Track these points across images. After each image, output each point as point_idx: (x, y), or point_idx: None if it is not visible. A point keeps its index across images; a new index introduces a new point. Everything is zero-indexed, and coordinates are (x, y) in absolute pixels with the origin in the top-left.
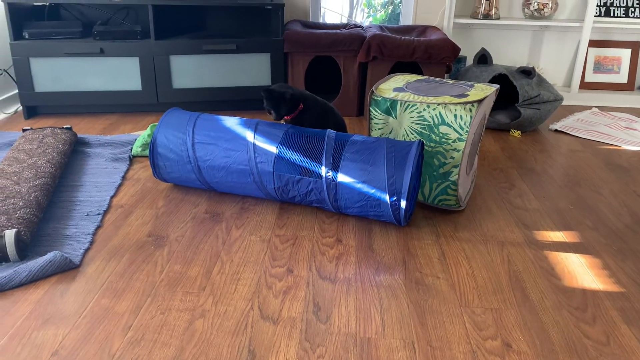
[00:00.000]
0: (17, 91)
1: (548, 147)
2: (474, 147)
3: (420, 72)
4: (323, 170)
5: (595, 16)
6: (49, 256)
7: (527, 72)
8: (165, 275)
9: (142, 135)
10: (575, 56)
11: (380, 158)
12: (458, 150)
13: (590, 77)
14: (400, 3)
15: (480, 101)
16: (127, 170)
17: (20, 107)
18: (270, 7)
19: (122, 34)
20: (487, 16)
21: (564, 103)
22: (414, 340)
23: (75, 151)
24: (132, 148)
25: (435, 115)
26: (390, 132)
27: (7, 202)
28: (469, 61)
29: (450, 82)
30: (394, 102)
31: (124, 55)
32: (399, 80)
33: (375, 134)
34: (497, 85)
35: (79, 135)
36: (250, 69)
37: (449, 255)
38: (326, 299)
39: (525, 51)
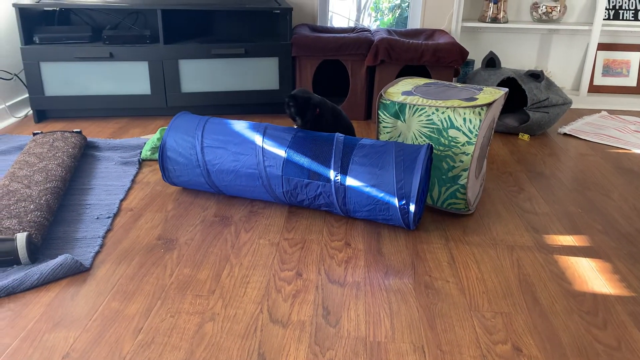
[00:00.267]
0: (27, 95)
1: (557, 150)
2: (483, 151)
3: (428, 76)
4: (332, 174)
5: (604, 19)
6: (59, 259)
7: (536, 76)
8: (175, 279)
9: (151, 139)
10: (584, 59)
11: (389, 162)
12: (467, 154)
13: (599, 81)
14: (408, 7)
15: (489, 105)
16: (137, 173)
17: (31, 111)
18: (278, 11)
19: (131, 39)
20: (495, 20)
21: (572, 106)
22: (423, 344)
23: (85, 155)
24: (141, 152)
25: (444, 118)
26: (398, 136)
27: (18, 205)
28: (477, 65)
29: (459, 85)
30: (402, 106)
31: (133, 59)
32: (408, 83)
33: (383, 137)
34: (506, 89)
35: (89, 138)
36: (259, 73)
37: (459, 259)
38: (335, 303)
39: (533, 54)
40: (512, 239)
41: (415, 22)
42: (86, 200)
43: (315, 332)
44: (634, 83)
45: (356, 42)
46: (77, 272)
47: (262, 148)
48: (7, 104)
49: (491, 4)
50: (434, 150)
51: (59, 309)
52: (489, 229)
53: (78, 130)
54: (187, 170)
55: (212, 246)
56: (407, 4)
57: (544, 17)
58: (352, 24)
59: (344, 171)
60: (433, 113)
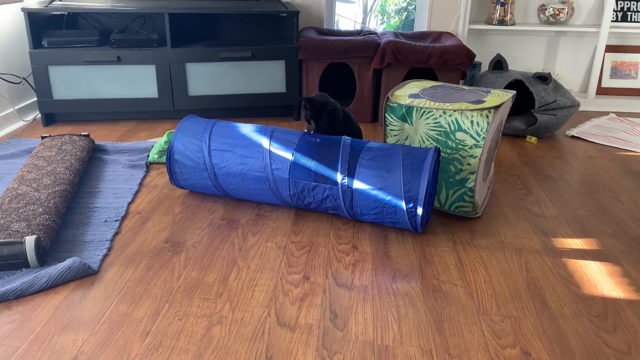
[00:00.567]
0: (36, 99)
1: (565, 153)
2: (491, 154)
3: (435, 79)
4: (339, 177)
5: (611, 21)
6: (68, 262)
7: (543, 78)
8: (182, 282)
9: (158, 142)
10: (591, 61)
11: (397, 165)
12: (475, 157)
13: (607, 83)
14: (414, 9)
15: (497, 107)
16: (144, 177)
17: (39, 115)
18: (285, 14)
19: (138, 42)
20: (502, 22)
21: (580, 109)
22: (431, 348)
23: (92, 158)
24: (148, 155)
25: (452, 121)
26: (405, 139)
27: (27, 208)
28: (484, 67)
29: (466, 88)
30: (409, 109)
31: (140, 63)
32: (415, 86)
33: (390, 140)
34: (514, 91)
35: (97, 142)
36: (266, 76)
37: (466, 263)
38: (343, 306)
39: (540, 57)
40: (520, 242)
41: (422, 25)
42: (94, 204)
43: (323, 336)
44: None
45: (363, 45)
46: (85, 275)
47: (269, 151)
48: (16, 108)
49: (498, 6)
50: (442, 153)
51: (67, 312)
52: (496, 232)
53: (86, 133)
54: (195, 174)
55: (220, 249)
56: (413, 6)
57: (551, 19)
58: (358, 27)
59: (351, 174)
60: (440, 116)
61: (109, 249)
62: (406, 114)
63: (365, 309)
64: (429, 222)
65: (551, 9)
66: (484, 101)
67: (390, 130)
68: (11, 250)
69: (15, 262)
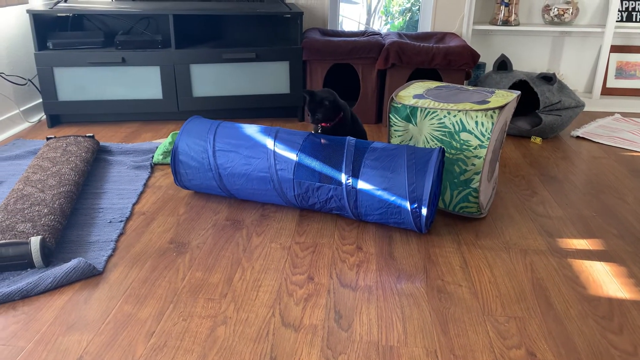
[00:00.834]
0: (41, 100)
1: (570, 153)
2: (495, 154)
3: (439, 79)
4: (343, 178)
5: (616, 21)
6: (72, 263)
7: (548, 78)
8: (187, 282)
9: (163, 143)
10: (596, 62)
11: (401, 165)
12: (479, 157)
13: (612, 83)
14: (419, 10)
15: (501, 108)
16: (149, 177)
17: (44, 116)
18: (289, 15)
19: (143, 44)
20: (506, 22)
21: (585, 109)
22: (436, 348)
23: (97, 159)
24: (153, 156)
25: (456, 122)
26: (410, 139)
27: (32, 209)
28: (489, 68)
29: (471, 88)
30: (414, 109)
31: (145, 64)
32: (419, 87)
33: (395, 141)
34: (518, 92)
35: (102, 143)
36: (270, 77)
37: (471, 263)
38: (347, 307)
39: (545, 57)
40: (525, 242)
41: (426, 26)
42: (99, 204)
43: (328, 336)
44: None
45: (367, 45)
46: (90, 275)
47: (274, 152)
48: (21, 109)
49: (502, 7)
50: (446, 154)
51: (73, 313)
52: (501, 232)
53: (91, 134)
54: (199, 174)
55: (224, 250)
56: (417, 7)
57: (555, 19)
58: (362, 28)
59: (355, 174)
60: (445, 116)
61: (114, 250)
62: (410, 114)
63: (369, 309)
64: (434, 223)
65: (556, 9)
66: (488, 102)
67: (395, 130)
68: (16, 251)
69: (21, 263)
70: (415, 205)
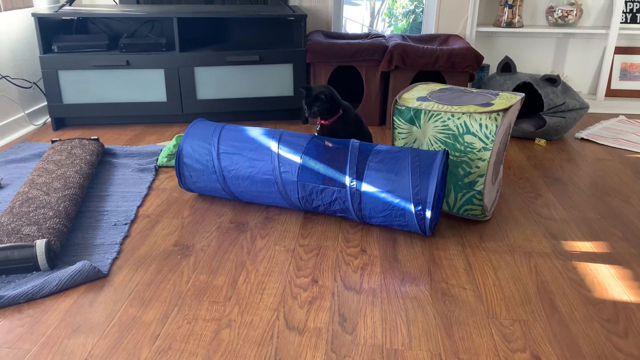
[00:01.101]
0: (46, 103)
1: (574, 155)
2: (500, 156)
3: (443, 81)
4: (347, 180)
5: (620, 23)
6: (78, 265)
7: (552, 80)
8: (191, 285)
9: (167, 146)
10: (600, 63)
11: (405, 167)
12: (483, 160)
13: (617, 85)
14: (422, 12)
15: (505, 110)
16: (153, 180)
17: (49, 119)
18: (292, 18)
19: (147, 47)
20: (510, 24)
21: (590, 111)
22: (441, 352)
23: (102, 162)
24: (157, 158)
25: (460, 124)
26: (414, 142)
27: (37, 212)
28: (492, 70)
29: (475, 90)
30: (417, 112)
31: (149, 67)
32: (422, 89)
33: (399, 143)
34: (523, 94)
35: (106, 146)
36: (273, 80)
37: (475, 266)
38: (352, 310)
39: (549, 59)
40: (529, 245)
41: (429, 28)
42: (104, 207)
43: (332, 339)
44: None
45: (370, 48)
46: (95, 278)
47: (278, 154)
48: (26, 112)
49: (506, 9)
50: (450, 156)
51: (78, 315)
52: (506, 235)
53: (95, 137)
54: (204, 177)
55: (228, 252)
56: (421, 9)
57: (559, 21)
58: (365, 30)
59: (359, 177)
60: (449, 119)
61: (119, 253)
62: (414, 117)
63: (374, 312)
64: (438, 225)
65: (560, 10)
66: (492, 104)
67: (399, 133)
68: (22, 254)
69: (26, 266)
70: (420, 208)
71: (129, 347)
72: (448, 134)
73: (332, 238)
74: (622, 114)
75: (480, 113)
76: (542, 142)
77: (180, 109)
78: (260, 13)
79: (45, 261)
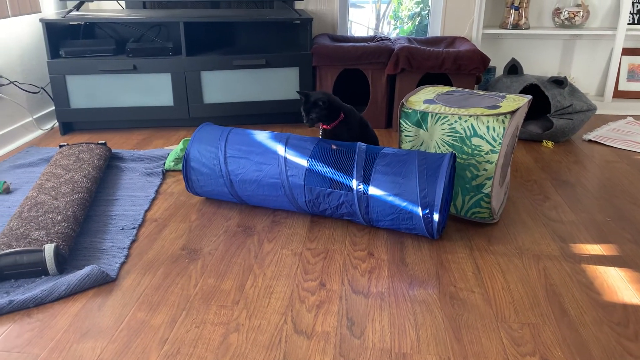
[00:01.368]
0: (53, 108)
1: (582, 157)
2: (507, 159)
3: (449, 84)
4: (354, 183)
5: (628, 24)
6: (86, 270)
7: (559, 82)
8: (199, 289)
9: (174, 150)
10: (608, 65)
11: (412, 171)
12: (491, 162)
13: (624, 86)
14: (428, 14)
15: (513, 112)
16: (161, 184)
17: (57, 123)
18: (298, 22)
19: (154, 51)
20: (516, 26)
21: (597, 112)
22: (450, 356)
23: (109, 166)
24: (165, 162)
25: (467, 127)
26: (421, 145)
27: (46, 216)
28: (499, 72)
29: (482, 93)
30: (424, 115)
31: (156, 71)
32: (429, 92)
33: (405, 146)
34: (530, 96)
35: (113, 150)
36: (280, 83)
37: (484, 269)
38: (360, 314)
39: (556, 61)
40: (538, 248)
41: (435, 30)
42: (111, 211)
43: (340, 344)
44: None
45: (376, 50)
46: (104, 282)
47: (285, 158)
48: (34, 117)
49: (512, 10)
50: (457, 159)
51: (86, 320)
52: (514, 238)
53: (103, 142)
54: (211, 181)
55: (236, 256)
56: (427, 11)
57: (566, 22)
58: (371, 33)
59: (366, 180)
60: (456, 121)
61: (127, 257)
62: (421, 119)
63: (382, 316)
64: (445, 228)
65: (566, 12)
66: (499, 106)
67: (405, 136)
68: (31, 258)
69: (35, 270)
70: (427, 211)
71: (137, 352)
72: (455, 136)
73: (339, 241)
74: (630, 115)
75: (488, 116)
76: (550, 144)
77: (187, 113)
78: (266, 17)
79: (54, 265)
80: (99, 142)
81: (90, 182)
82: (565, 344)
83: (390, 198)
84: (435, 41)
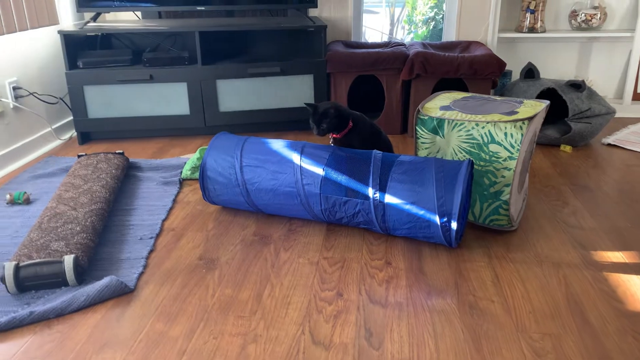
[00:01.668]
0: (72, 118)
1: (601, 162)
2: (525, 165)
3: (464, 89)
4: (370, 192)
5: None
6: (105, 281)
7: (577, 86)
8: (217, 299)
9: (191, 159)
10: (626, 67)
11: (429, 178)
12: (509, 169)
13: None
14: (442, 19)
15: (531, 118)
16: (178, 193)
17: (75, 133)
18: (312, 29)
19: (170, 60)
20: (532, 29)
21: (616, 116)
22: None
23: (127, 175)
24: (181, 171)
25: (485, 133)
26: (437, 152)
27: (65, 227)
28: (515, 76)
29: (498, 98)
30: (441, 121)
31: (172, 80)
32: (445, 98)
33: (422, 153)
34: (547, 102)
35: (131, 159)
36: (294, 91)
37: (503, 278)
38: (378, 324)
39: (573, 64)
40: (558, 255)
41: (450, 35)
42: (129, 221)
43: (359, 355)
44: None
45: (391, 56)
46: (122, 293)
47: (300, 166)
48: (53, 127)
49: (528, 14)
50: (475, 166)
51: (106, 331)
52: (533, 245)
53: (121, 151)
54: (227, 190)
55: (253, 265)
56: (441, 16)
57: (583, 25)
58: (385, 38)
59: (382, 188)
60: (473, 128)
61: (145, 267)
62: (437, 126)
63: (400, 326)
64: (463, 236)
65: (583, 14)
66: (517, 112)
67: (422, 143)
68: (51, 270)
69: (55, 281)
70: (445, 219)
71: None
72: (472, 143)
73: (356, 250)
74: None
75: (505, 122)
76: (568, 148)
77: (203, 122)
78: (280, 25)
79: (73, 277)
80: (117, 151)
81: (108, 192)
82: (588, 355)
83: (407, 206)
84: (450, 46)
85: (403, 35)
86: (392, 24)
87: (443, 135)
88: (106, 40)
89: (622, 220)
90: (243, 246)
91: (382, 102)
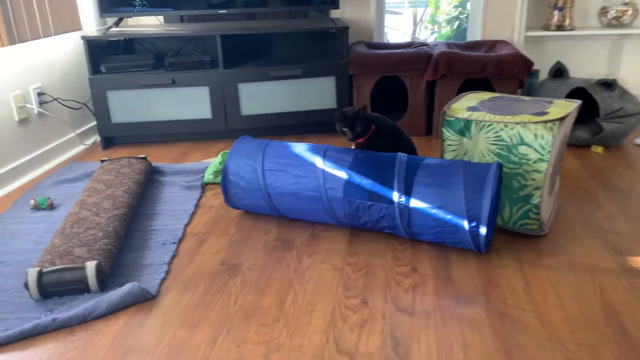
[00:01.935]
0: (95, 123)
1: (634, 163)
2: (556, 167)
3: (490, 89)
4: (395, 196)
5: None
6: (127, 287)
7: (608, 84)
8: (239, 306)
9: (213, 163)
10: None
11: (457, 182)
12: (539, 172)
13: None
14: (467, 18)
15: (562, 119)
16: (200, 197)
17: (99, 138)
18: (334, 30)
19: (192, 65)
20: (560, 27)
21: None
22: None
23: (150, 180)
24: (204, 175)
25: (514, 135)
26: (464, 154)
27: (87, 233)
28: (542, 75)
29: (527, 98)
30: (468, 123)
31: (194, 85)
32: (472, 98)
33: (448, 155)
34: (579, 101)
35: (153, 164)
36: (316, 93)
37: (534, 285)
38: (404, 333)
39: (603, 62)
40: (592, 261)
41: (475, 34)
42: (152, 226)
43: None
44: None
45: (415, 57)
46: (144, 299)
47: (323, 170)
48: (77, 132)
49: (556, 11)
50: (504, 168)
51: (128, 338)
52: (565, 250)
53: (143, 156)
54: (249, 194)
55: (275, 271)
56: (465, 15)
57: (613, 22)
58: (408, 39)
59: (407, 192)
60: (501, 129)
61: (167, 273)
62: (465, 128)
63: (428, 335)
64: (492, 241)
65: (614, 11)
66: (547, 112)
67: (448, 145)
68: (74, 276)
69: (78, 287)
70: (474, 224)
71: None
72: (501, 145)
73: (380, 256)
74: None
75: (535, 123)
76: (599, 149)
77: (225, 125)
78: (302, 27)
79: (95, 283)
80: (140, 156)
81: (130, 197)
82: None
83: (434, 211)
84: (475, 45)
85: (427, 36)
86: (415, 24)
87: (470, 137)
88: (128, 45)
89: None
90: (265, 251)
91: (405, 104)
